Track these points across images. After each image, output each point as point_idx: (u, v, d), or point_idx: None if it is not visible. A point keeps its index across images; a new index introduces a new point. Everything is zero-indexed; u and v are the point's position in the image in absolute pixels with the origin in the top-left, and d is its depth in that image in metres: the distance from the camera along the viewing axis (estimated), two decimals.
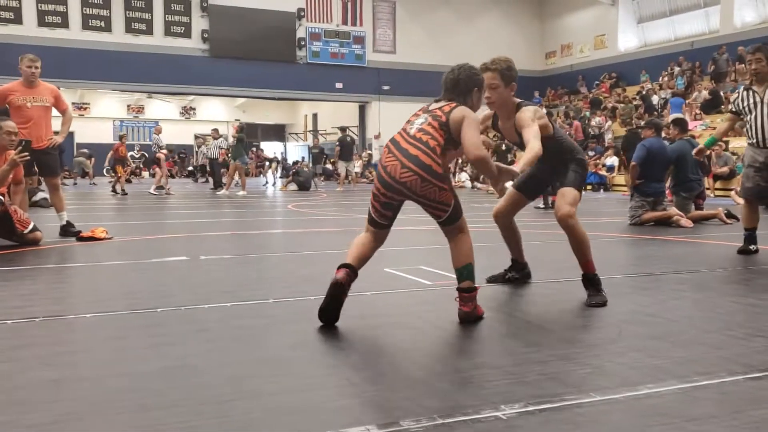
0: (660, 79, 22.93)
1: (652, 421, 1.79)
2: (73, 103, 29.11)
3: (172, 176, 20.57)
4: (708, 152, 6.91)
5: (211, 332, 2.74)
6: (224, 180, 17.00)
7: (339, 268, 2.82)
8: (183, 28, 24.41)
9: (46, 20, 22.46)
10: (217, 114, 37.47)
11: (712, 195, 13.75)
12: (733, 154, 14.92)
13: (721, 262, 4.91)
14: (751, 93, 5.03)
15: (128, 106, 35.82)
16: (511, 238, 3.80)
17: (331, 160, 24.35)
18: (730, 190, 13.23)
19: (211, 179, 19.74)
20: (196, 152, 25.16)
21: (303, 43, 25.85)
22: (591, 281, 3.37)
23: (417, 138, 2.85)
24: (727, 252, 5.34)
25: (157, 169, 16.11)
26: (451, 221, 2.91)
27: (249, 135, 20.19)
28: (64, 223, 6.24)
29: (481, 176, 19.73)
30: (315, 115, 37.60)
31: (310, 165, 22.31)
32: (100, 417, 1.82)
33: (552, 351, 2.48)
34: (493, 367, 2.28)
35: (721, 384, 2.10)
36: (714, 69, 20.49)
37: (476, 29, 27.94)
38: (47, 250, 5.39)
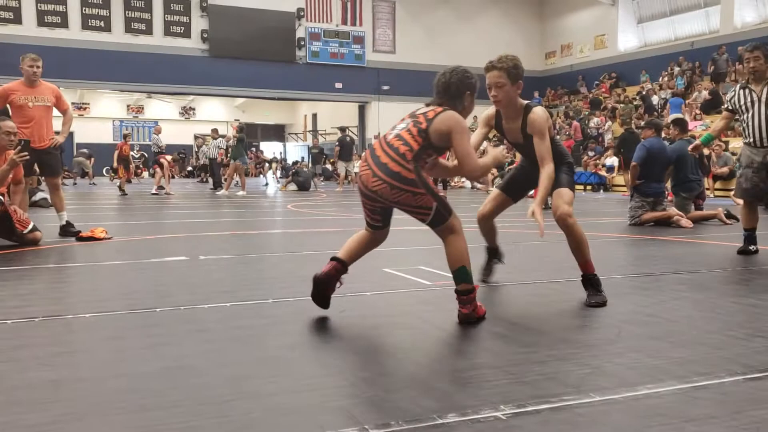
0: (660, 79, 22.94)
1: (652, 422, 1.79)
2: (72, 103, 29.06)
3: (172, 176, 20.54)
4: (704, 149, 6.88)
5: (210, 332, 2.74)
6: (224, 180, 17.00)
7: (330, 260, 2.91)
8: (182, 28, 24.40)
9: (46, 20, 22.45)
10: (217, 114, 37.48)
11: (711, 195, 13.76)
12: (733, 154, 14.93)
13: (720, 262, 4.91)
14: (747, 91, 4.99)
15: (128, 106, 35.84)
16: (490, 231, 3.81)
17: (331, 161, 24.36)
18: (730, 190, 13.23)
19: (210, 179, 19.74)
20: (196, 152, 25.16)
21: (302, 43, 25.85)
22: (590, 282, 3.37)
23: (390, 144, 2.84)
24: (727, 252, 5.34)
25: (158, 170, 16.12)
26: (437, 223, 2.88)
27: (248, 135, 20.16)
28: (64, 223, 6.24)
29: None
30: (314, 115, 37.61)
31: (310, 165, 22.32)
32: (99, 417, 1.81)
33: (551, 351, 2.48)
34: (492, 367, 2.28)
35: (720, 384, 2.10)
36: (714, 69, 20.50)
37: (476, 29, 27.94)
38: (47, 250, 5.39)
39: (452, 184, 19.82)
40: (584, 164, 20.14)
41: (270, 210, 10.97)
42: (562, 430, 1.74)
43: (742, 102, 5.01)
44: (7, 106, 6.15)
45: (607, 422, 1.79)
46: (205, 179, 23.53)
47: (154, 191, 15.54)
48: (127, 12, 23.61)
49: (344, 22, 26.57)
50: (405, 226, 6.94)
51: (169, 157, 16.67)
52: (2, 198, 5.36)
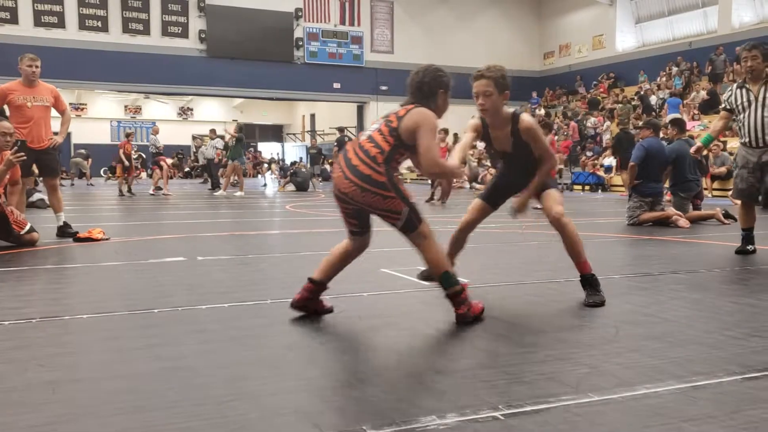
0: (658, 79, 22.96)
1: (650, 422, 1.79)
2: (69, 104, 29.04)
3: (170, 177, 20.54)
4: (705, 151, 6.86)
5: (208, 333, 2.74)
6: (221, 180, 16.99)
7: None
8: (180, 28, 24.38)
9: (43, 20, 22.41)
10: (215, 114, 37.45)
11: (709, 195, 13.77)
12: (731, 154, 14.94)
13: (718, 262, 4.91)
14: (744, 91, 4.95)
15: (125, 106, 35.81)
16: (458, 246, 3.68)
17: (329, 161, 24.33)
18: (728, 190, 13.25)
19: (207, 180, 19.73)
20: (194, 153, 25.14)
21: (300, 43, 25.84)
22: (589, 282, 3.37)
23: (362, 146, 2.84)
24: (725, 252, 5.34)
25: (156, 170, 16.10)
26: (408, 229, 2.85)
27: (246, 135, 20.12)
28: (62, 223, 6.23)
29: (480, 177, 19.73)
30: (313, 116, 37.59)
31: (308, 165, 22.30)
32: (97, 418, 1.81)
33: (549, 351, 2.48)
34: (490, 367, 2.28)
35: (718, 384, 2.10)
36: (711, 70, 20.53)
37: (474, 29, 27.96)
38: (44, 250, 5.38)
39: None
40: (582, 164, 20.16)
41: (268, 210, 10.97)
42: (561, 430, 1.74)
43: (739, 101, 4.98)
44: (5, 106, 6.13)
45: (605, 422, 1.79)
46: (206, 180, 23.50)
47: (151, 192, 15.52)
48: (124, 12, 23.57)
49: (342, 22, 26.56)
50: None
51: (170, 161, 16.64)
52: None
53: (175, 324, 2.89)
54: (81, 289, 3.81)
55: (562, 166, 17.24)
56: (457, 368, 2.29)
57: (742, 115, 4.97)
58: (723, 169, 14.58)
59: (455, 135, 19.85)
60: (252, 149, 34.37)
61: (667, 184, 8.53)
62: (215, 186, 17.63)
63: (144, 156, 21.95)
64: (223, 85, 24.98)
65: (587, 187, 19.00)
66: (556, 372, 2.22)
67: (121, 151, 15.21)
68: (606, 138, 21.10)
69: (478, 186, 18.47)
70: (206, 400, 1.95)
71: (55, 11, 22.60)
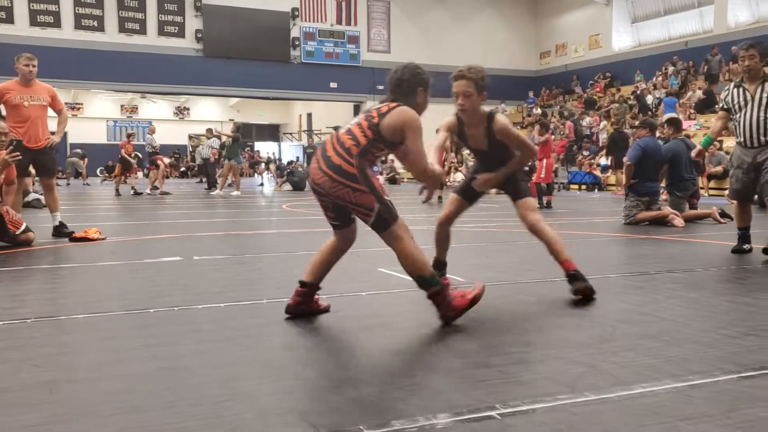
0: (654, 78, 23.00)
1: (646, 421, 1.79)
2: (66, 104, 28.99)
3: (167, 177, 20.50)
4: (706, 152, 6.85)
5: (204, 333, 2.73)
6: (218, 180, 16.96)
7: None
8: (177, 28, 24.35)
9: (38, 20, 22.36)
10: (211, 114, 37.41)
11: (706, 194, 13.80)
12: (727, 153, 14.98)
13: (715, 261, 4.92)
14: (741, 90, 4.93)
15: (122, 106, 35.74)
16: (445, 242, 3.79)
17: None
18: (724, 189, 13.27)
19: (205, 179, 19.70)
20: (191, 153, 25.10)
21: (297, 42, 25.83)
22: (575, 278, 3.39)
23: (339, 139, 2.83)
24: (721, 251, 5.35)
25: (153, 170, 16.06)
26: (379, 228, 2.80)
27: (243, 135, 20.10)
28: (57, 223, 6.21)
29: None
30: (309, 115, 37.58)
31: (305, 165, 22.30)
32: (93, 418, 1.80)
33: (546, 350, 2.48)
34: (486, 366, 2.28)
35: (715, 383, 2.10)
36: (707, 70, 20.58)
37: (471, 29, 27.98)
38: (40, 250, 5.36)
39: (448, 183, 19.87)
40: (579, 164, 20.18)
41: (265, 210, 10.96)
42: (557, 429, 1.74)
43: (736, 101, 4.96)
44: (1, 106, 6.11)
45: (601, 421, 1.79)
46: (202, 180, 23.45)
47: (148, 191, 15.49)
48: (120, 12, 23.54)
49: (339, 22, 26.56)
50: None
51: (167, 160, 16.60)
52: None
53: (171, 324, 2.89)
54: (77, 289, 3.80)
55: (558, 166, 17.25)
56: (453, 367, 2.29)
57: (738, 115, 4.95)
58: (719, 169, 14.61)
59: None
60: (249, 149, 34.31)
61: (663, 184, 8.54)
62: (211, 185, 17.60)
63: (140, 156, 21.92)
64: (220, 84, 24.96)
65: (584, 187, 19.04)
66: (553, 371, 2.21)
67: (123, 150, 15.19)
68: (603, 137, 21.14)
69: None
70: (202, 400, 1.94)
71: (51, 11, 22.55)
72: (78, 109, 33.60)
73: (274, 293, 3.52)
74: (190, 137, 35.69)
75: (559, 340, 2.63)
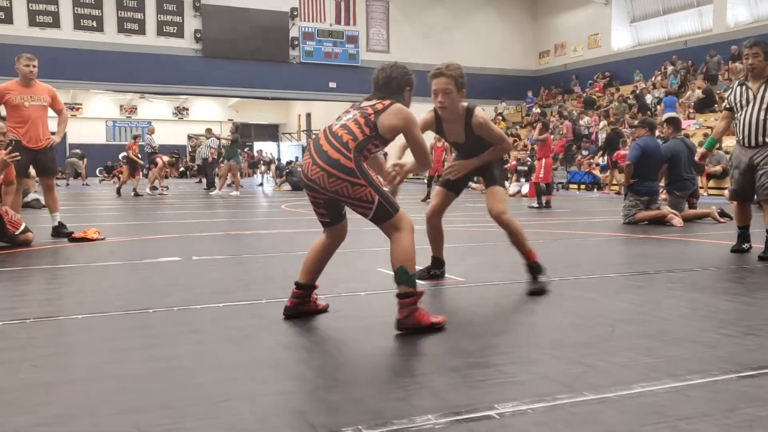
0: (653, 78, 23.01)
1: (645, 420, 1.79)
2: (65, 104, 29.01)
3: (166, 176, 20.49)
4: (710, 154, 6.82)
5: (203, 333, 2.73)
6: (217, 180, 16.95)
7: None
8: (175, 28, 24.32)
9: (37, 20, 22.32)
10: (211, 114, 37.39)
11: (705, 194, 13.81)
12: (726, 152, 14.99)
13: (714, 260, 4.92)
14: (745, 88, 4.89)
15: (121, 106, 35.71)
16: (438, 237, 3.94)
17: None
18: (724, 188, 13.28)
19: (204, 179, 19.69)
20: (190, 153, 25.08)
21: (296, 42, 25.81)
22: (532, 268, 3.60)
23: (335, 134, 2.83)
24: (721, 250, 5.35)
25: (153, 169, 16.05)
26: (380, 219, 2.80)
27: (242, 135, 20.08)
28: (57, 223, 6.21)
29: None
30: (308, 115, 37.56)
31: None
32: (91, 419, 1.80)
33: (544, 350, 2.48)
34: (485, 366, 2.27)
35: (714, 382, 2.10)
36: (706, 71, 20.58)
37: (470, 28, 27.96)
38: (39, 251, 5.36)
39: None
40: (578, 163, 20.18)
41: (264, 210, 10.95)
42: (556, 429, 1.74)
43: (738, 99, 4.92)
44: (1, 106, 6.10)
45: (600, 421, 1.79)
46: (201, 180, 23.45)
47: (148, 191, 15.48)
48: (119, 12, 23.50)
49: (338, 22, 26.54)
50: None
51: (165, 158, 16.58)
52: None
53: (170, 324, 2.88)
54: (76, 290, 3.80)
55: (558, 165, 17.19)
56: (452, 367, 2.28)
57: (739, 113, 4.91)
58: (718, 168, 14.61)
59: None
60: (249, 149, 34.29)
61: (662, 183, 8.55)
62: (210, 185, 17.60)
63: (139, 156, 21.92)
64: (219, 84, 24.94)
65: (583, 186, 19.04)
66: (552, 371, 2.21)
67: (130, 152, 15.18)
68: (602, 137, 21.15)
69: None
70: (201, 400, 1.94)
71: (50, 11, 22.51)
72: (77, 109, 33.57)
73: (273, 293, 3.52)
74: (189, 138, 35.68)
75: (557, 340, 2.63)
